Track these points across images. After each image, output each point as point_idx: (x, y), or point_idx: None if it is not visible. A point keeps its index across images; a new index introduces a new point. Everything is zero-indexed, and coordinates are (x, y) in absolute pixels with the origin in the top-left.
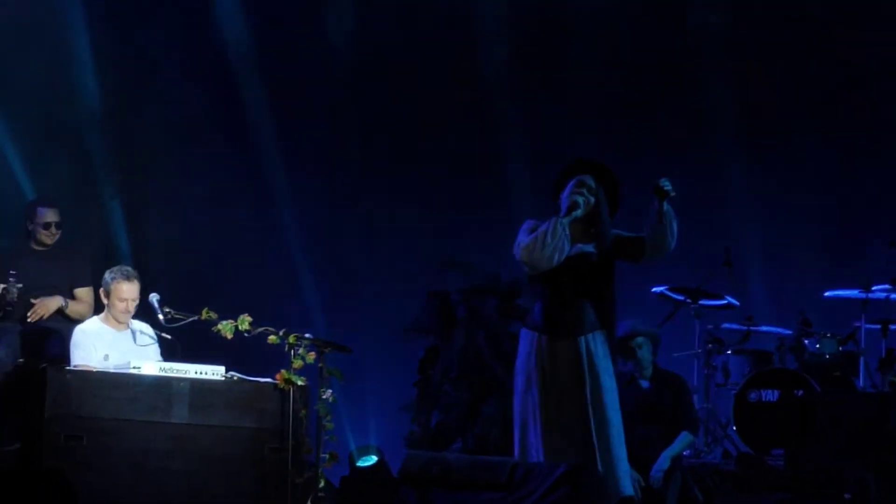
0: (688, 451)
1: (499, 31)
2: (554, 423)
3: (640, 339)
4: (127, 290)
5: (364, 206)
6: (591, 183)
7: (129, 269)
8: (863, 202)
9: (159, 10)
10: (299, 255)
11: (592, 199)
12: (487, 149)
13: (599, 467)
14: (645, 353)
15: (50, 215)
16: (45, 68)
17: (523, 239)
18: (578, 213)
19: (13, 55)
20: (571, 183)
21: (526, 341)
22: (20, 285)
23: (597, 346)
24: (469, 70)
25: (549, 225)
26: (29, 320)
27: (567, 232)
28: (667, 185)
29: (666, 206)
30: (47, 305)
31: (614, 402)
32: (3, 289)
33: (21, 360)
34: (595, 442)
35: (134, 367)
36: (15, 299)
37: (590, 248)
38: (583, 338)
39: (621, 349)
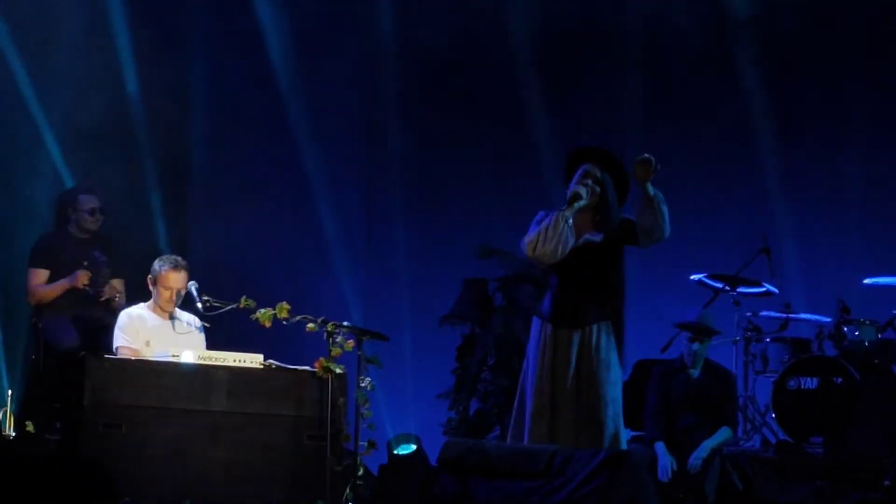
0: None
1: (534, 25)
2: (543, 410)
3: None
4: (174, 280)
5: (401, 193)
6: (597, 172)
7: (179, 258)
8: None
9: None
10: (337, 243)
11: (598, 189)
12: (524, 137)
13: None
14: (702, 349)
15: (93, 201)
16: (86, 59)
17: (529, 233)
18: (580, 204)
19: (57, 46)
20: (578, 173)
21: (534, 329)
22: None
23: (599, 337)
24: (507, 59)
25: (551, 219)
26: (105, 298)
27: (570, 224)
28: (644, 159)
29: (652, 189)
30: (115, 287)
31: (609, 394)
32: (90, 266)
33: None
34: (580, 434)
35: (173, 356)
36: (102, 279)
37: (597, 237)
38: (585, 329)
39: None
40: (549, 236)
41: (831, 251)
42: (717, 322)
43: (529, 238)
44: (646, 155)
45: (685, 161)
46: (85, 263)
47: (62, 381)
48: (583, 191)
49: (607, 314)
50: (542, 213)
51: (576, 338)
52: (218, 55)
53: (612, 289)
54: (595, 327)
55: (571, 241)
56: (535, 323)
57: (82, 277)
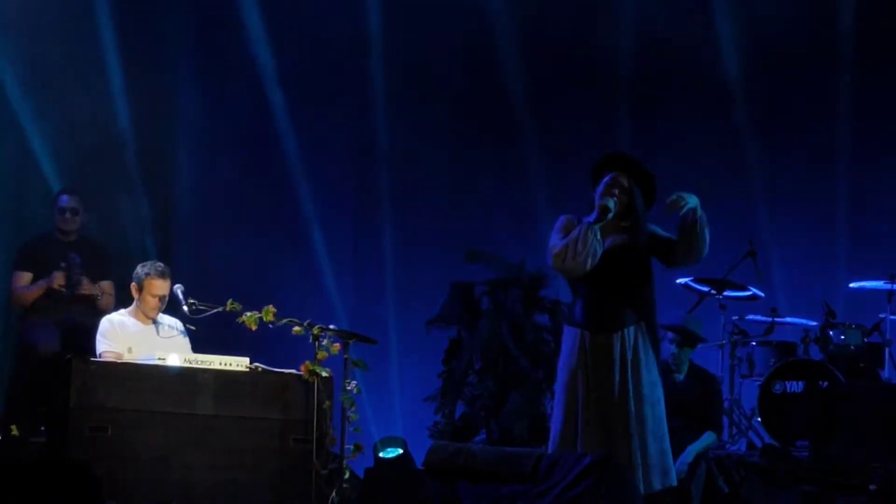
0: (710, 454)
1: (524, 30)
2: (595, 419)
3: (681, 339)
4: (159, 287)
5: (388, 197)
6: (624, 181)
7: (162, 264)
8: (888, 192)
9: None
10: (323, 245)
11: (625, 198)
12: (511, 142)
13: (638, 460)
14: (681, 353)
15: (67, 202)
16: (74, 66)
17: (556, 244)
18: (609, 216)
19: (44, 49)
20: (604, 180)
21: (569, 338)
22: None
23: (637, 339)
24: (494, 65)
25: (580, 231)
26: (84, 292)
27: (599, 237)
28: (685, 201)
29: (699, 211)
30: (104, 288)
31: (654, 395)
32: (65, 267)
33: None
34: (634, 436)
35: (159, 359)
36: (76, 281)
37: (626, 240)
38: (623, 331)
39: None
40: (579, 250)
41: (817, 255)
42: (704, 326)
43: (556, 250)
44: (672, 197)
45: (672, 165)
46: (62, 265)
47: (43, 383)
48: (611, 203)
49: (641, 316)
50: (563, 218)
51: (614, 342)
52: (208, 58)
53: (643, 291)
54: (633, 328)
55: (599, 253)
56: (569, 332)
57: (58, 279)
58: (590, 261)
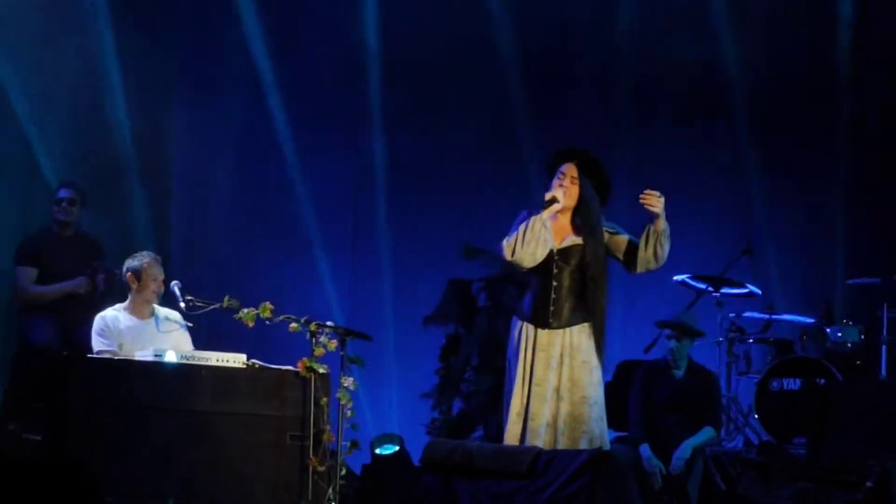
0: (708, 451)
1: (520, 28)
2: (524, 411)
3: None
4: (159, 271)
5: (385, 194)
6: (575, 173)
7: (152, 252)
8: (885, 189)
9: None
10: (321, 242)
11: (576, 190)
12: (508, 138)
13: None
14: (680, 348)
15: (65, 193)
16: (73, 63)
17: (508, 236)
18: (557, 206)
19: (43, 52)
20: (557, 173)
21: (513, 329)
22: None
23: (581, 338)
24: (492, 61)
25: (528, 221)
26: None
27: (548, 226)
28: (659, 201)
29: (664, 224)
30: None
31: (591, 397)
32: (92, 274)
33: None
34: (558, 434)
35: (156, 355)
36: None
37: (579, 239)
38: (566, 330)
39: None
40: (528, 239)
41: (814, 252)
42: (701, 323)
43: (508, 241)
44: (647, 191)
45: (668, 162)
46: (87, 271)
47: (42, 380)
48: (559, 193)
49: (587, 316)
50: (524, 212)
51: (557, 339)
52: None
53: (593, 290)
54: (576, 328)
55: (550, 244)
56: (515, 323)
57: (85, 285)
58: (539, 251)
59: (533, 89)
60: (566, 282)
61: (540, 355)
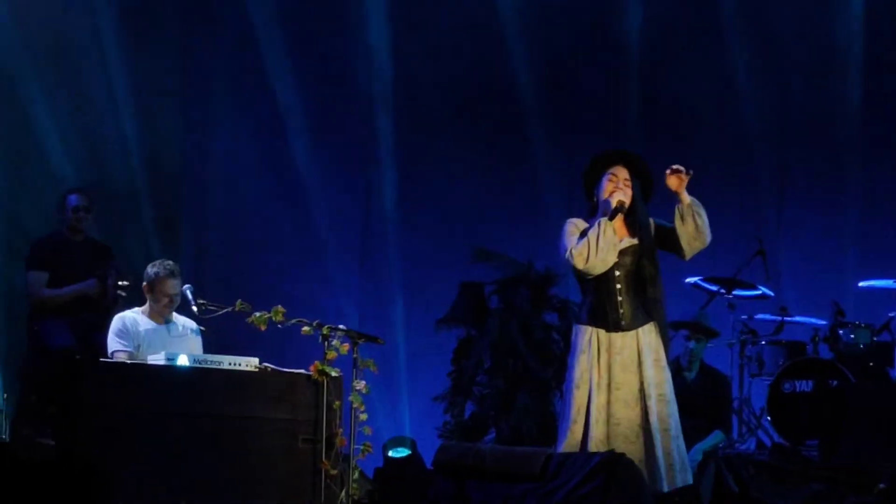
0: (720, 453)
1: (532, 31)
2: (607, 417)
3: (700, 335)
4: (170, 286)
5: (397, 197)
6: (626, 175)
7: (172, 263)
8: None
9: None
10: (333, 246)
11: (629, 192)
12: (520, 142)
13: (661, 459)
14: (699, 348)
15: (78, 200)
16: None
17: (573, 244)
18: (623, 210)
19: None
20: (605, 177)
21: (581, 336)
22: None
23: (651, 337)
24: (503, 62)
25: (597, 228)
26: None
27: (615, 232)
28: (676, 168)
29: (689, 197)
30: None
31: (671, 393)
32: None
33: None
34: (656, 434)
35: (168, 359)
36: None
37: (633, 240)
38: (637, 330)
39: (686, 329)
40: (601, 247)
41: (827, 254)
42: (713, 325)
43: (578, 250)
44: (676, 165)
45: (681, 164)
46: (99, 272)
47: (57, 382)
48: (624, 196)
49: (652, 314)
50: (568, 223)
51: (630, 341)
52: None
53: (652, 288)
54: (646, 328)
55: (618, 248)
56: (579, 331)
57: (97, 288)
58: (610, 257)
59: (548, 89)
60: (628, 282)
61: (616, 359)
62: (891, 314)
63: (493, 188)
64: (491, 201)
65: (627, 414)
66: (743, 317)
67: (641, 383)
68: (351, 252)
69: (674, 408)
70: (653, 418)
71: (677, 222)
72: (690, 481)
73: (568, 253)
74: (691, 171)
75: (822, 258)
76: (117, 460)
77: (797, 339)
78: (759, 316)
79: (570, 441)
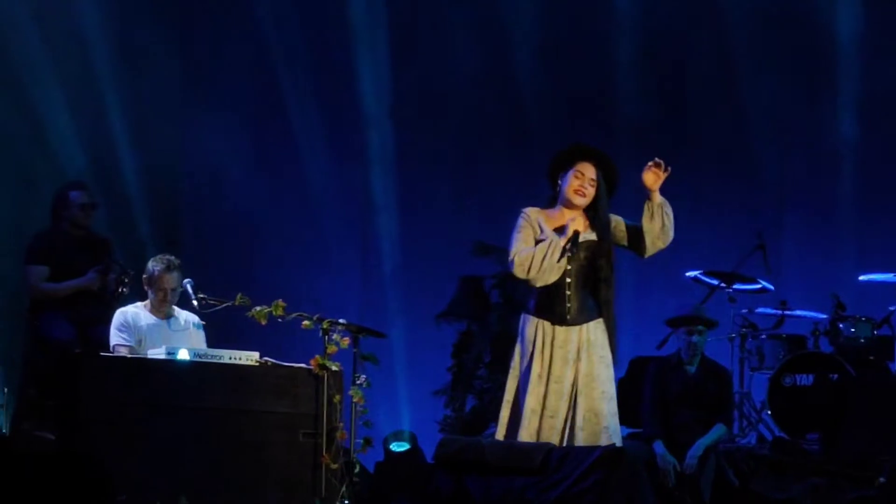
0: (721, 446)
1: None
2: (542, 409)
3: (701, 327)
4: (168, 280)
5: (398, 191)
6: (594, 174)
7: (172, 258)
8: None
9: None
10: (333, 240)
11: (591, 190)
12: (520, 134)
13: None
14: (701, 341)
15: (84, 197)
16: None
17: (518, 251)
18: (577, 241)
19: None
20: (571, 171)
21: (526, 326)
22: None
23: (597, 334)
24: (507, 60)
25: (547, 248)
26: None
27: (561, 258)
28: (656, 163)
29: (660, 197)
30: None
31: (608, 392)
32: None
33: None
34: (578, 429)
35: (169, 354)
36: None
37: (591, 236)
38: (582, 326)
39: (686, 325)
40: (545, 268)
41: (827, 247)
42: (713, 318)
43: (520, 259)
44: (657, 159)
45: (681, 157)
46: (99, 267)
47: (57, 376)
48: (580, 225)
49: (601, 311)
50: (522, 216)
51: (573, 335)
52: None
53: (605, 286)
54: (592, 324)
55: (563, 269)
56: (527, 320)
57: (97, 281)
58: (553, 276)
59: (545, 86)
60: (578, 279)
61: (557, 352)
62: (891, 308)
63: (494, 181)
64: (492, 194)
65: (562, 407)
66: (743, 311)
67: (575, 379)
68: (352, 245)
69: (613, 406)
70: (581, 414)
71: (645, 219)
72: None
73: (511, 257)
74: (669, 169)
75: (823, 251)
76: (117, 454)
77: (797, 333)
78: (760, 309)
79: (506, 428)
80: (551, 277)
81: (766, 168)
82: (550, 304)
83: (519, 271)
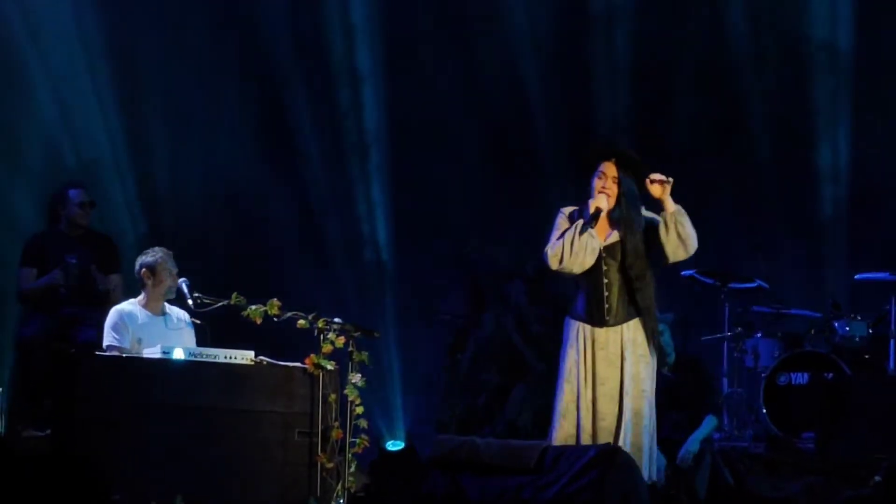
0: (717, 434)
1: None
2: (594, 413)
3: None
4: (173, 265)
5: (394, 190)
6: (615, 172)
7: (164, 248)
8: (892, 184)
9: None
10: (328, 239)
11: (616, 188)
12: (516, 135)
13: (640, 453)
14: (666, 339)
15: (81, 196)
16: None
17: (552, 244)
18: (603, 214)
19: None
20: (595, 173)
21: (569, 330)
22: (76, 265)
23: (637, 333)
24: (506, 59)
25: (573, 231)
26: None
27: (594, 234)
28: (657, 178)
29: (674, 206)
30: (111, 279)
31: (647, 391)
32: (63, 267)
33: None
34: (626, 430)
35: (164, 352)
36: (74, 281)
37: (621, 233)
38: (621, 326)
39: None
40: (575, 250)
41: (822, 247)
42: (709, 317)
43: (552, 251)
44: (656, 175)
45: (677, 156)
46: (61, 265)
47: (43, 377)
48: (602, 202)
49: (641, 310)
50: (559, 214)
51: (614, 336)
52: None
53: (639, 286)
54: (632, 324)
55: (597, 249)
56: (569, 324)
57: (59, 277)
58: (588, 259)
59: (544, 89)
60: (616, 278)
61: (600, 353)
62: (886, 307)
63: (490, 181)
64: (488, 194)
65: (612, 409)
66: (738, 310)
67: (622, 380)
68: (347, 245)
69: (651, 405)
70: (627, 415)
71: (661, 231)
72: (656, 478)
73: (546, 251)
74: (671, 179)
75: (818, 251)
76: (112, 454)
77: (793, 332)
78: (755, 308)
79: (559, 435)
80: (587, 260)
81: (763, 166)
82: (591, 307)
83: (553, 262)
